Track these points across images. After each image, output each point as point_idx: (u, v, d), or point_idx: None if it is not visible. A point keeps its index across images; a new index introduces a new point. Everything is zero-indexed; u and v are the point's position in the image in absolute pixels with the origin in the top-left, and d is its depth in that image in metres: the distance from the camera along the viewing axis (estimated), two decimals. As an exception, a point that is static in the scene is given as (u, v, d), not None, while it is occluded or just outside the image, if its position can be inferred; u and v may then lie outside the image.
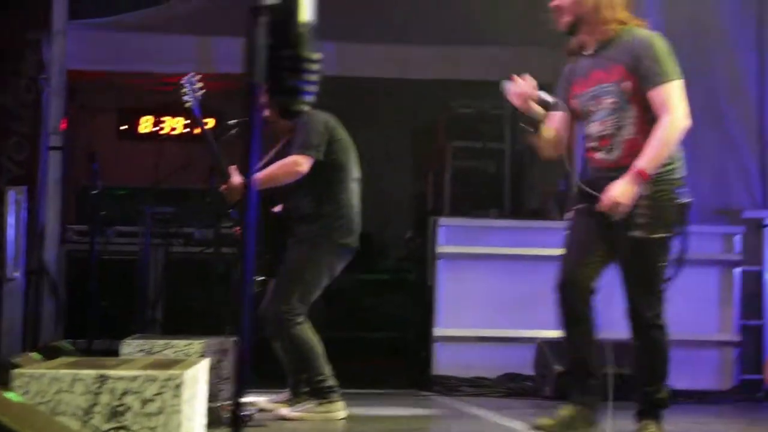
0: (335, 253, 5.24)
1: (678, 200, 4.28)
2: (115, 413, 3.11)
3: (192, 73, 5.38)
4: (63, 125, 6.72)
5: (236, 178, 5.13)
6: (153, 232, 7.78)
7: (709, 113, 6.96)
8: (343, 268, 5.33)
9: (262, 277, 5.22)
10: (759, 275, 6.93)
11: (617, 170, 4.25)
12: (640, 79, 4.25)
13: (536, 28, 7.54)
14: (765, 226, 6.91)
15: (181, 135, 9.58)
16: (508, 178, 8.61)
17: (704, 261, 6.72)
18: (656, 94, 4.22)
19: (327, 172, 5.20)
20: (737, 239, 6.85)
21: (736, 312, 6.84)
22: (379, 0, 7.99)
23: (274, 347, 5.24)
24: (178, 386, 3.16)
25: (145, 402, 3.15)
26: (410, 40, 8.01)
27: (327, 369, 5.13)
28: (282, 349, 5.19)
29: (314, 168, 5.13)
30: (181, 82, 5.34)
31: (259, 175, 5.17)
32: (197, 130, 5.81)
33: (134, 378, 3.16)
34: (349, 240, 5.27)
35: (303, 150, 5.13)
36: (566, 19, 4.39)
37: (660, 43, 4.30)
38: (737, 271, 6.85)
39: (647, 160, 4.16)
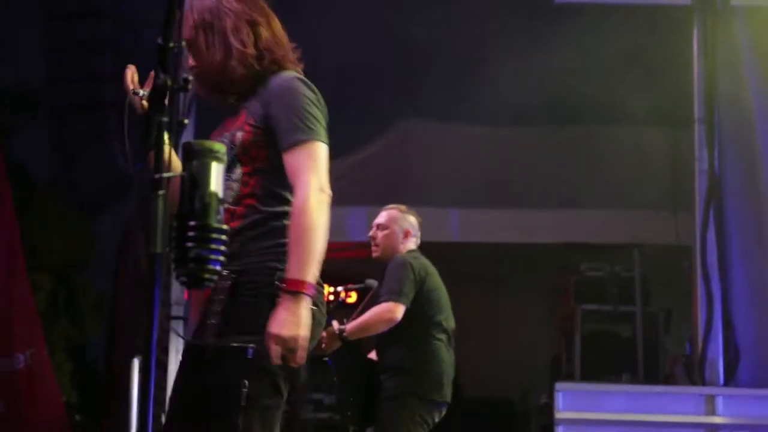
0: (425, 409, 5.17)
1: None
2: None
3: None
4: (186, 295, 7.00)
5: (333, 327, 5.20)
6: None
7: None
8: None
9: (355, 428, 5.23)
10: None
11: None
12: (265, 131, 3.02)
13: (659, 190, 7.64)
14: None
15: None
16: (641, 341, 8.39)
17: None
18: (289, 157, 2.97)
19: (414, 323, 5.14)
20: None
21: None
22: (503, 167, 8.15)
23: None
24: None
25: None
26: (537, 204, 8.10)
27: None
28: None
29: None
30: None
31: (351, 326, 5.22)
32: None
33: None
34: (437, 395, 5.20)
35: (395, 296, 5.09)
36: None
37: (305, 90, 3.05)
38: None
39: (299, 265, 2.83)
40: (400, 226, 5.47)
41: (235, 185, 2.97)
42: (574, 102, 7.86)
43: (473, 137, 8.72)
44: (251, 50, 3.06)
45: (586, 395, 6.83)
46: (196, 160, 2.23)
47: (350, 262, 7.75)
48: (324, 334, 5.19)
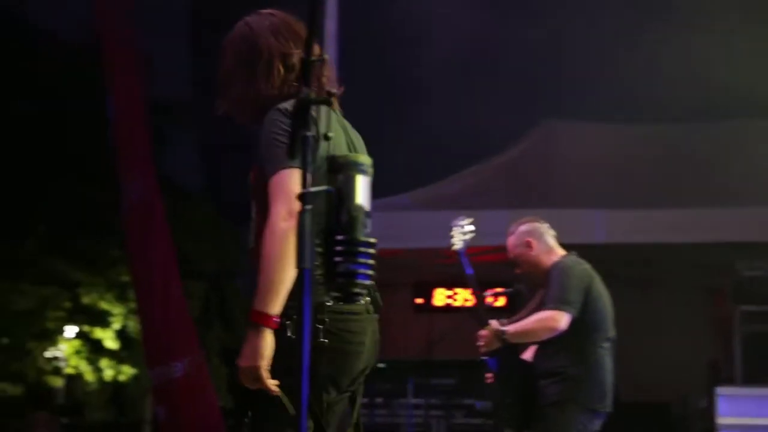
0: (587, 418, 5.02)
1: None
2: None
3: (462, 216, 5.41)
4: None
5: (494, 326, 5.08)
6: (434, 404, 7.91)
7: None
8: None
9: (510, 431, 5.12)
10: None
11: None
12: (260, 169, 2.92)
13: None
14: None
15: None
16: (806, 343, 8.02)
17: None
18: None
19: (579, 331, 5.03)
20: None
21: None
22: (651, 166, 7.96)
23: None
24: None
25: None
26: (688, 202, 7.86)
27: None
28: None
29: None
30: (451, 224, 5.35)
31: (514, 328, 5.09)
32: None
33: None
34: (599, 405, 5.04)
35: (560, 305, 4.93)
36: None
37: (278, 116, 2.90)
38: None
39: (260, 297, 2.75)
40: (520, 244, 5.30)
41: (253, 224, 2.96)
42: (724, 96, 7.61)
43: (618, 136, 8.54)
44: (278, 84, 3.04)
45: (749, 400, 6.61)
46: (341, 173, 2.21)
47: (488, 266, 7.64)
48: (484, 332, 5.09)
